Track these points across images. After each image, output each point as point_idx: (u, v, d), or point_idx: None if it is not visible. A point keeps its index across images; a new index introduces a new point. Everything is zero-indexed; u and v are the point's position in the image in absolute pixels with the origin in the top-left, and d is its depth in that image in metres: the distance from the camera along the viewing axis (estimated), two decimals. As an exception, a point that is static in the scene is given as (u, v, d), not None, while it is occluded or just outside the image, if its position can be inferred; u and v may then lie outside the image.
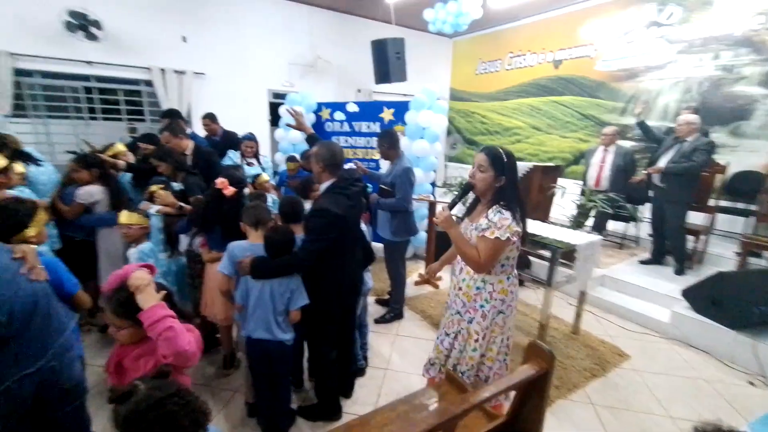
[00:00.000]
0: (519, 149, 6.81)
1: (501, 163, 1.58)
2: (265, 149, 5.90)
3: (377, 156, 4.46)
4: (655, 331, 3.15)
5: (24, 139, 3.52)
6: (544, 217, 3.93)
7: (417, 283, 3.79)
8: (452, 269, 1.90)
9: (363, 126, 4.69)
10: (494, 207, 1.59)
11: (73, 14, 4.31)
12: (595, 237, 2.87)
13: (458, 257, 1.81)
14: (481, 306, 1.69)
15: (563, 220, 4.06)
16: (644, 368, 2.67)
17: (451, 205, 1.69)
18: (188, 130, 3.67)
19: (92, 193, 2.56)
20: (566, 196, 3.92)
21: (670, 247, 3.89)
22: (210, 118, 4.38)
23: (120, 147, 3.16)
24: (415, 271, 4.22)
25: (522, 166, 4.01)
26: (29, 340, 1.18)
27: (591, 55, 5.63)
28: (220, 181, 2.11)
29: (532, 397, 1.34)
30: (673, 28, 4.71)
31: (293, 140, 4.71)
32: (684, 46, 4.63)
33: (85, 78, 4.84)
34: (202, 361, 2.53)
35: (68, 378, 1.31)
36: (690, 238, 3.82)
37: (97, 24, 4.45)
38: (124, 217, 2.20)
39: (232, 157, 3.94)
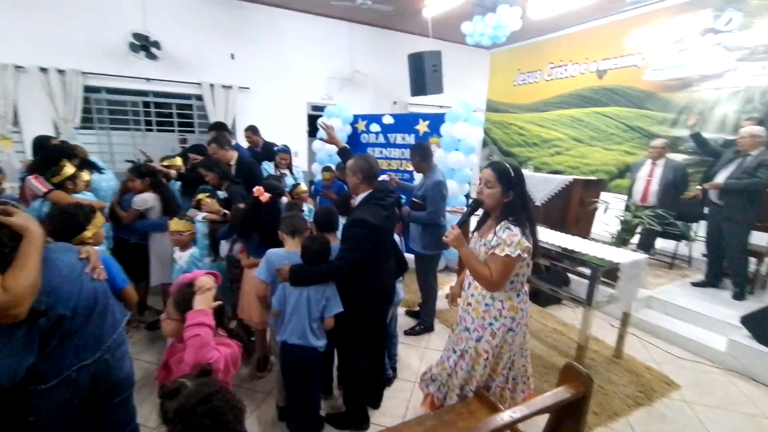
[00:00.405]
0: (559, 161, 6.58)
1: (508, 178, 1.57)
2: (303, 160, 6.13)
3: (411, 168, 4.49)
4: (709, 360, 2.89)
5: (90, 149, 3.90)
6: (584, 232, 3.76)
7: (447, 297, 3.77)
8: (463, 284, 1.88)
9: (398, 138, 4.75)
10: (502, 223, 1.57)
11: (137, 36, 4.73)
12: (641, 255, 2.70)
13: (466, 273, 1.82)
14: (490, 324, 1.65)
15: (606, 236, 3.86)
16: (696, 400, 2.45)
17: (461, 223, 1.67)
18: (233, 142, 3.89)
19: (146, 200, 2.77)
20: (609, 212, 3.73)
21: (728, 269, 3.58)
22: (252, 131, 4.61)
23: (178, 161, 3.39)
24: (446, 283, 4.16)
25: (561, 180, 3.88)
26: (88, 334, 1.29)
27: (638, 64, 5.37)
28: (257, 189, 2.22)
29: (568, 421, 1.28)
30: (732, 34, 4.41)
31: (330, 151, 4.84)
32: (745, 54, 4.31)
33: (144, 93, 5.28)
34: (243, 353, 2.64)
35: (118, 371, 1.41)
36: (752, 260, 3.50)
37: (156, 44, 4.87)
38: (174, 224, 2.36)
39: (267, 168, 4.11)
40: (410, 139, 4.62)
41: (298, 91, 6.24)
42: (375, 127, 4.87)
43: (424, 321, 3.18)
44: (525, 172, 4.46)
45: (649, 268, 2.88)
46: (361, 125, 4.97)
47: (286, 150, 4.12)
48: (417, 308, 3.36)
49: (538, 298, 3.70)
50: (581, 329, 2.57)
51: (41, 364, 1.18)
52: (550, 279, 3.52)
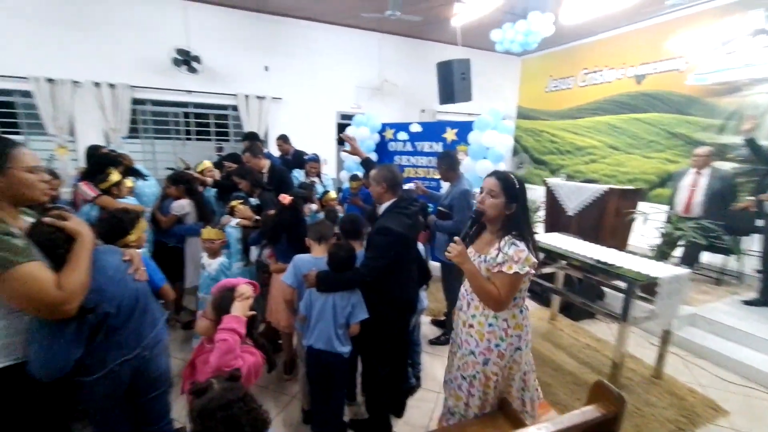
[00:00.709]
0: (594, 169, 6.35)
1: (513, 189, 1.49)
2: (332, 168, 6.25)
3: (438, 176, 4.48)
4: (763, 386, 2.66)
5: (135, 157, 4.17)
6: (620, 244, 3.59)
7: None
8: (458, 304, 1.76)
9: (425, 146, 4.75)
10: (506, 238, 1.48)
11: (180, 51, 5.04)
12: (683, 270, 2.54)
13: (462, 292, 1.70)
14: (497, 345, 1.55)
15: (644, 249, 3.66)
16: (747, 429, 2.26)
17: (464, 237, 1.58)
18: (264, 151, 4.04)
19: (183, 206, 2.93)
20: (649, 223, 3.54)
21: (785, 287, 3.30)
22: (283, 139, 4.76)
23: (207, 163, 3.59)
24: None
25: (596, 189, 3.73)
26: (130, 330, 1.38)
27: (681, 68, 5.11)
28: (282, 196, 2.30)
29: (599, 443, 1.22)
30: (787, 34, 4.11)
31: (357, 160, 4.92)
32: (801, 55, 4.01)
33: (185, 105, 5.60)
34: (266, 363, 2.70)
35: (156, 368, 1.49)
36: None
37: (197, 59, 5.16)
38: (206, 233, 2.48)
39: (297, 176, 4.23)
40: (438, 148, 4.62)
41: (327, 101, 6.40)
42: (402, 136, 4.90)
43: (449, 331, 3.13)
44: (557, 180, 4.37)
45: (692, 283, 2.71)
46: (389, 133, 5.02)
47: (315, 159, 4.23)
48: (443, 318, 3.32)
49: (570, 311, 3.56)
50: (616, 346, 2.45)
51: (88, 358, 1.26)
52: (582, 292, 3.39)
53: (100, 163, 2.88)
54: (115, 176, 2.68)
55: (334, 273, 1.85)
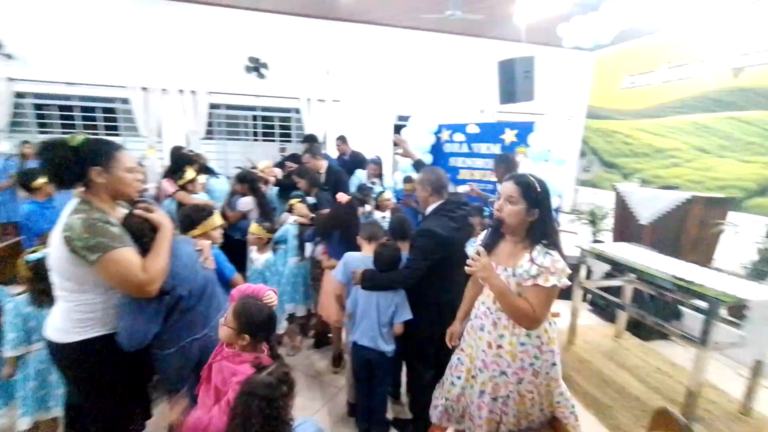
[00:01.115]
0: (676, 174, 5.69)
1: (534, 193, 1.34)
2: (386, 169, 6.33)
3: (495, 179, 4.34)
4: None
5: (209, 157, 4.60)
6: (703, 260, 3.18)
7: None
8: (472, 325, 1.60)
9: (482, 147, 4.62)
10: (539, 248, 1.33)
11: (251, 59, 5.46)
12: (783, 293, 2.19)
13: (483, 310, 1.52)
14: (531, 364, 1.43)
15: (735, 266, 3.21)
16: None
17: (487, 246, 1.45)
18: (323, 152, 4.22)
19: (247, 203, 3.16)
20: (743, 236, 3.10)
21: None
22: (341, 140, 4.93)
23: (268, 163, 3.84)
24: (528, 302, 3.90)
25: (675, 197, 3.36)
26: (199, 312, 1.53)
27: (791, 58, 4.40)
28: (340, 195, 2.39)
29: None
30: None
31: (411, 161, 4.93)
32: None
33: (253, 108, 6.04)
34: (316, 354, 2.82)
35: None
36: None
37: (265, 65, 5.54)
38: (252, 228, 2.64)
39: (359, 176, 4.35)
40: (495, 149, 4.46)
41: (385, 102, 6.49)
42: (459, 137, 4.81)
43: None
44: (629, 186, 3.99)
45: (795, 309, 2.32)
46: (445, 134, 4.95)
47: (377, 161, 4.32)
48: None
49: (639, 329, 3.24)
50: (693, 372, 2.18)
51: (164, 334, 1.43)
52: (655, 310, 3.07)
53: (179, 162, 3.22)
54: (190, 174, 2.98)
55: (379, 272, 1.88)
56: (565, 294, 3.65)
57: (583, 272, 3.04)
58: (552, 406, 1.55)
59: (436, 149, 4.99)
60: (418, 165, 2.55)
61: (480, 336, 1.53)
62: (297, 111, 6.15)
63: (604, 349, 3.06)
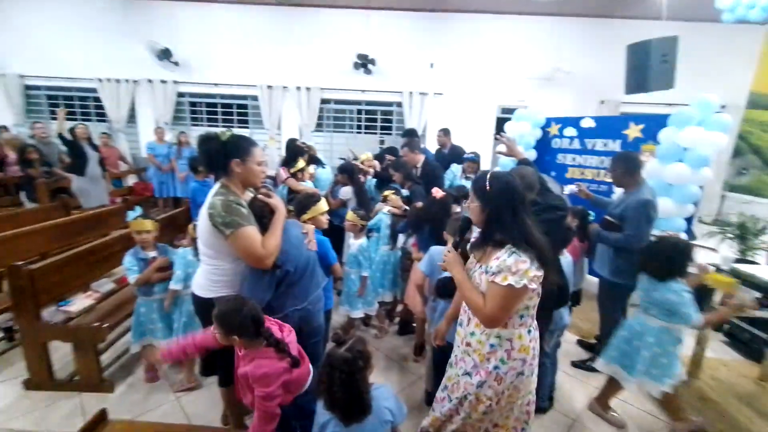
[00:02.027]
0: None
1: (482, 190, 1.35)
2: (486, 164, 6.12)
3: (610, 179, 3.87)
4: None
5: (318, 148, 5.06)
6: None
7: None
8: (459, 319, 1.57)
9: (598, 144, 4.13)
10: (508, 246, 1.29)
11: (360, 56, 5.78)
12: None
13: (464, 305, 1.51)
14: (496, 368, 1.36)
15: None
16: None
17: (456, 245, 1.49)
18: (421, 146, 4.28)
19: (347, 192, 3.42)
20: None
21: None
22: (444, 132, 4.91)
23: (368, 155, 4.06)
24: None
25: None
26: (301, 287, 1.75)
27: None
28: (435, 190, 2.42)
29: None
30: None
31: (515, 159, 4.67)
32: None
33: (358, 102, 6.41)
34: (399, 340, 2.95)
35: (315, 320, 1.86)
36: None
37: (373, 61, 5.82)
38: (348, 215, 2.82)
39: (454, 171, 4.31)
40: (615, 146, 3.95)
41: (489, 95, 6.25)
42: (570, 131, 4.38)
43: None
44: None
45: None
46: (554, 129, 4.56)
47: (474, 159, 4.23)
48: (593, 341, 2.92)
49: (749, 347, 2.61)
50: None
51: (274, 302, 1.68)
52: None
53: (293, 152, 3.64)
54: (300, 163, 3.37)
55: (452, 281, 1.88)
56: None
57: (717, 296, 2.54)
58: (506, 428, 1.44)
59: (542, 144, 4.64)
60: (522, 164, 2.43)
61: (458, 331, 1.55)
62: (399, 105, 6.33)
63: (739, 392, 2.53)
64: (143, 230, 2.19)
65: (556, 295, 1.97)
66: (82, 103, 6.72)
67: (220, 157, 1.55)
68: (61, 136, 4.51)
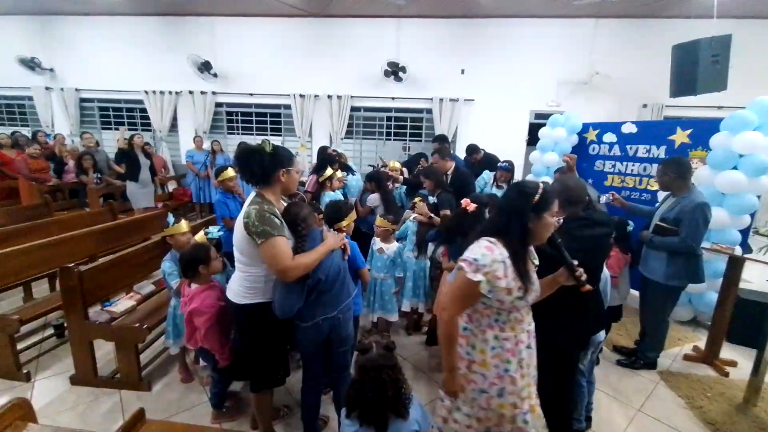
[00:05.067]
0: None
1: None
2: (518, 170, 5.96)
3: (654, 187, 3.64)
4: None
5: (348, 155, 5.11)
6: None
7: (689, 358, 2.86)
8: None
9: (641, 150, 3.91)
10: (479, 239, 1.31)
11: (390, 64, 5.81)
12: None
13: None
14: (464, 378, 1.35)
15: None
16: None
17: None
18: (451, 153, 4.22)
19: (375, 199, 3.42)
20: None
21: None
22: (472, 149, 4.80)
23: (395, 164, 4.02)
24: (690, 340, 3.17)
25: None
26: (331, 296, 1.75)
27: None
28: (465, 201, 2.35)
29: None
30: None
31: (548, 163, 4.51)
32: None
33: (388, 110, 6.43)
34: (425, 351, 2.89)
35: (345, 329, 1.84)
36: None
37: (403, 69, 5.82)
38: (377, 221, 2.80)
39: (485, 178, 4.21)
40: (659, 153, 3.72)
41: (522, 100, 6.09)
42: (609, 137, 4.18)
43: (645, 355, 2.70)
44: None
45: None
46: (592, 135, 4.37)
47: (508, 168, 4.12)
48: (633, 346, 2.79)
49: None
50: None
51: (305, 309, 1.69)
52: None
53: (323, 160, 3.70)
54: (329, 171, 3.41)
55: None
56: (750, 339, 2.85)
57: (782, 317, 2.32)
58: None
59: (579, 151, 4.45)
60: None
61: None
62: (429, 111, 6.30)
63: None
64: (180, 232, 2.27)
65: (593, 320, 1.86)
66: (129, 114, 7.18)
67: (271, 168, 1.60)
68: (120, 149, 4.96)
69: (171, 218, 2.30)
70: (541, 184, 1.32)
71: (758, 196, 3.04)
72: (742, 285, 2.88)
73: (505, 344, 1.31)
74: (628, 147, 4.02)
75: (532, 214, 1.27)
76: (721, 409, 2.37)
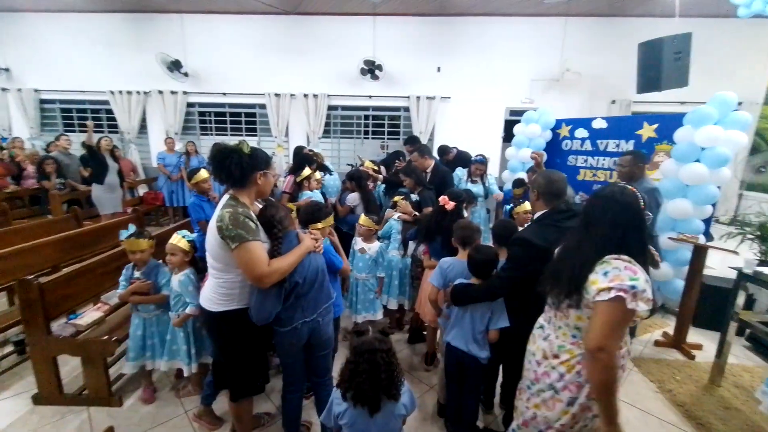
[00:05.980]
0: None
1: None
2: (495, 166, 6.05)
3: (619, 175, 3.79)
4: None
5: (325, 155, 5.04)
6: None
7: (659, 344, 2.98)
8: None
9: (610, 144, 4.05)
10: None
11: (367, 62, 5.77)
12: None
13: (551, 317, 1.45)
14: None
15: None
16: None
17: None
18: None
19: (354, 198, 3.39)
20: None
21: None
22: (443, 151, 4.82)
23: (368, 164, 3.97)
24: (658, 327, 3.30)
25: None
26: (310, 299, 1.71)
27: None
28: (443, 199, 2.36)
29: None
30: None
31: (523, 159, 4.60)
32: None
33: (365, 108, 6.39)
34: (408, 349, 2.89)
35: (324, 332, 1.81)
36: None
37: (379, 67, 5.80)
38: (362, 219, 2.78)
39: (459, 174, 4.24)
40: (628, 147, 3.86)
41: (496, 97, 6.18)
42: (581, 133, 4.30)
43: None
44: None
45: None
46: (564, 130, 4.49)
47: (482, 161, 4.15)
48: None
49: None
50: None
51: (283, 314, 1.65)
52: None
53: (300, 160, 3.63)
54: (306, 172, 3.36)
55: (467, 287, 1.84)
56: (714, 323, 2.99)
57: (740, 300, 2.45)
58: None
59: (552, 147, 4.56)
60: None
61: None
62: (406, 110, 6.30)
63: None
64: (137, 250, 2.14)
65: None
66: (95, 116, 6.83)
67: (248, 169, 1.54)
68: (89, 147, 4.60)
69: (128, 230, 2.16)
70: (629, 188, 1.28)
71: (719, 187, 3.19)
72: (705, 272, 3.03)
73: (621, 361, 1.24)
74: (598, 142, 4.15)
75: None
76: (689, 390, 2.49)
